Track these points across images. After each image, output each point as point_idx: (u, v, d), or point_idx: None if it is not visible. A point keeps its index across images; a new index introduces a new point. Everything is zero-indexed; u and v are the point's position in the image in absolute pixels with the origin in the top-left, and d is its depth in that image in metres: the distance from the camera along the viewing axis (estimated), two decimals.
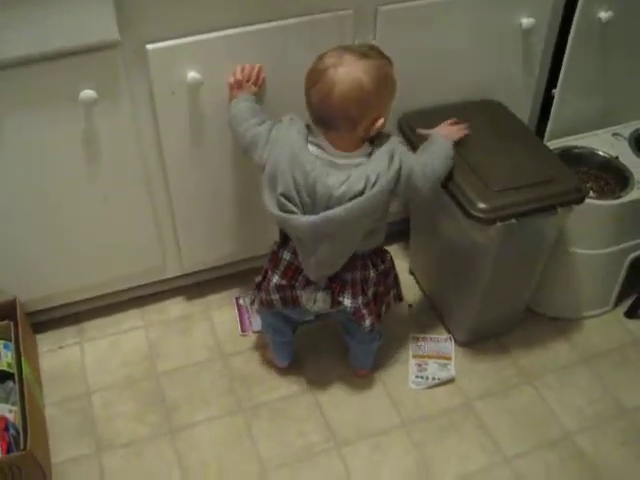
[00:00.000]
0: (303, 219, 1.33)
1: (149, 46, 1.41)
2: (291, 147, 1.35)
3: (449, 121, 1.60)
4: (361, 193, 1.32)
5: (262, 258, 1.83)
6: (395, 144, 1.38)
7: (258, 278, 1.56)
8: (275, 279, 1.49)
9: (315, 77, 1.32)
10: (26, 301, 1.71)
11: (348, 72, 1.29)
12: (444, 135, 1.54)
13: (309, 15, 1.50)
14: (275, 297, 1.51)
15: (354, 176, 1.32)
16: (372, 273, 1.48)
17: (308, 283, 1.47)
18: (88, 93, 1.40)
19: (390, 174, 1.34)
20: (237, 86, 1.49)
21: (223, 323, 1.84)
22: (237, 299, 1.90)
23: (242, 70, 1.48)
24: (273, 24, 1.49)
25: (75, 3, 1.29)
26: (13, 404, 1.53)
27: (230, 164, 1.65)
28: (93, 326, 1.84)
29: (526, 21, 1.68)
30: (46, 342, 1.80)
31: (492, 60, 1.74)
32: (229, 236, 1.79)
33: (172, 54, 1.43)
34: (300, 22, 1.50)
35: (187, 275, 1.88)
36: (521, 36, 1.72)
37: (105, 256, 1.71)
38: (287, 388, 1.70)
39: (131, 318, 1.86)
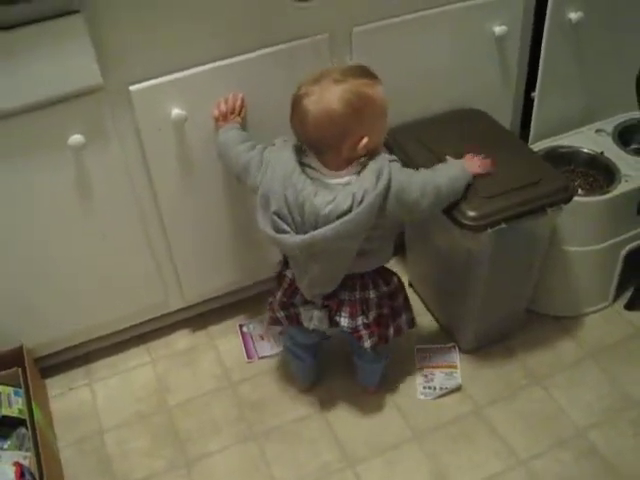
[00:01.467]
0: (292, 239, 1.35)
1: (132, 87, 1.44)
2: (284, 167, 1.37)
3: (476, 157, 1.55)
4: (347, 212, 1.32)
5: (263, 284, 1.87)
6: (384, 161, 1.36)
7: (271, 298, 1.59)
8: (279, 296, 1.52)
9: (293, 105, 1.36)
10: (33, 346, 1.72)
11: (317, 101, 1.31)
12: (462, 162, 1.52)
13: (286, 42, 1.53)
14: (280, 315, 1.55)
15: (341, 195, 1.32)
16: (372, 294, 1.48)
17: (306, 301, 1.49)
18: (76, 138, 1.43)
19: (377, 191, 1.32)
20: (222, 118, 1.52)
21: (229, 351, 1.86)
22: (241, 326, 1.91)
23: (225, 102, 1.51)
24: (252, 55, 1.52)
25: (55, 52, 1.32)
26: (27, 450, 1.54)
27: (222, 194, 1.67)
28: (101, 366, 1.85)
29: (499, 29, 1.71)
30: (56, 385, 1.81)
31: (470, 70, 1.77)
32: (227, 265, 1.81)
33: (155, 93, 1.46)
34: (278, 50, 1.53)
35: (190, 307, 1.90)
36: (495, 44, 1.74)
37: (107, 296, 1.72)
38: (297, 411, 1.71)
39: (138, 354, 1.88)
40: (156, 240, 1.69)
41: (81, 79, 1.37)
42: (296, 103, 1.34)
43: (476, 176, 1.51)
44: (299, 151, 1.40)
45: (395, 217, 1.41)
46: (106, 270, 1.68)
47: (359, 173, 1.36)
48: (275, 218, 1.36)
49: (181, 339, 1.91)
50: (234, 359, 1.84)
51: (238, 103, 1.52)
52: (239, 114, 1.53)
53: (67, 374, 1.84)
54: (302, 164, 1.38)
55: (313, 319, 1.49)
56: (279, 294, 1.52)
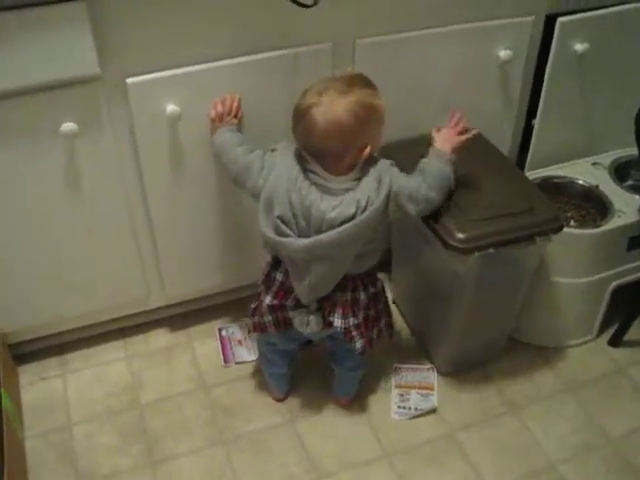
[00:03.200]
0: (296, 242, 1.36)
1: (129, 80, 1.43)
2: (288, 171, 1.38)
3: (453, 121, 1.54)
4: (352, 217, 1.35)
5: (245, 289, 1.86)
6: (384, 167, 1.41)
7: (253, 304, 1.57)
8: (267, 299, 1.50)
9: (297, 116, 1.37)
10: (8, 332, 1.70)
11: (326, 112, 1.33)
12: (438, 150, 1.48)
13: (288, 48, 1.52)
14: (268, 319, 1.53)
15: (346, 201, 1.36)
16: (362, 295, 1.50)
17: (299, 305, 1.48)
18: (69, 126, 1.42)
19: (380, 198, 1.37)
20: (218, 119, 1.51)
21: (206, 354, 1.84)
22: (220, 330, 1.90)
23: (222, 103, 1.50)
24: (253, 57, 1.51)
25: (55, 37, 1.31)
26: None
27: (211, 195, 1.66)
28: (76, 357, 1.83)
29: (504, 53, 1.71)
30: (28, 374, 1.79)
31: (471, 92, 1.76)
32: (212, 267, 1.80)
33: (152, 87, 1.45)
34: (279, 55, 1.52)
35: (170, 306, 1.88)
36: (499, 68, 1.74)
37: (89, 287, 1.71)
38: (268, 419, 1.69)
39: (114, 349, 1.86)
40: (142, 235, 1.68)
41: (78, 67, 1.36)
42: (302, 113, 1.35)
43: (455, 149, 1.48)
44: (301, 156, 1.41)
45: (394, 219, 1.45)
46: (89, 261, 1.66)
47: (360, 178, 1.40)
48: (278, 222, 1.37)
49: (159, 337, 1.89)
50: (210, 362, 1.82)
51: (235, 105, 1.51)
52: (235, 116, 1.52)
53: (41, 363, 1.81)
54: (305, 169, 1.40)
55: (310, 324, 1.48)
56: (268, 297, 1.51)
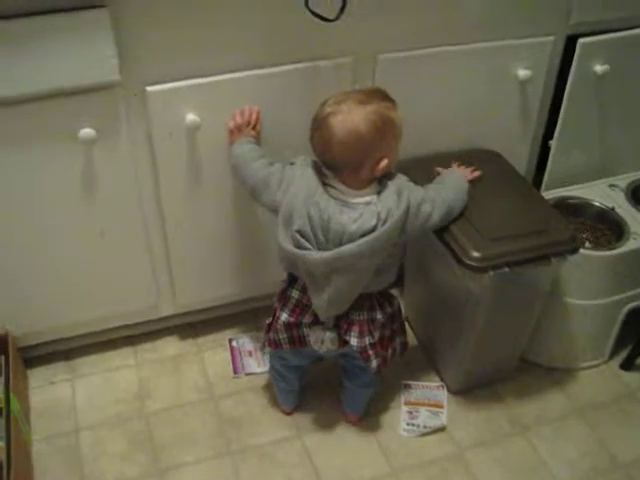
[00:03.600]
0: (316, 255, 1.36)
1: (149, 88, 1.43)
2: (307, 186, 1.39)
3: (457, 164, 1.64)
4: (372, 230, 1.36)
5: (257, 300, 1.85)
6: (402, 181, 1.43)
7: (269, 319, 1.57)
8: (283, 317, 1.50)
9: (316, 125, 1.37)
10: (19, 336, 1.70)
11: (344, 120, 1.33)
12: (457, 171, 1.60)
13: (309, 62, 1.53)
14: (283, 336, 1.52)
15: (366, 214, 1.37)
16: (379, 315, 1.49)
17: (315, 322, 1.48)
18: (87, 132, 1.42)
19: (400, 211, 1.37)
20: (237, 130, 1.51)
21: (215, 364, 1.83)
22: (230, 341, 1.89)
23: (241, 114, 1.50)
24: (274, 69, 1.51)
25: (77, 43, 1.32)
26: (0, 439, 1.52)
27: (227, 206, 1.66)
28: (85, 363, 1.83)
29: (523, 73, 1.70)
30: (37, 377, 1.79)
31: (490, 110, 1.76)
32: (225, 277, 1.79)
33: (171, 96, 1.45)
34: (300, 68, 1.52)
35: (181, 315, 1.88)
36: (518, 87, 1.74)
37: (100, 293, 1.71)
38: (276, 432, 1.68)
39: (123, 356, 1.85)
40: (155, 244, 1.68)
41: (99, 73, 1.37)
42: (321, 122, 1.36)
43: (469, 179, 1.59)
44: (320, 171, 1.42)
45: (412, 233, 1.45)
46: (101, 267, 1.66)
47: (379, 193, 1.40)
48: (297, 236, 1.37)
49: (169, 346, 1.89)
50: (219, 373, 1.81)
51: (254, 117, 1.51)
52: (254, 127, 1.52)
53: (50, 367, 1.81)
54: (324, 183, 1.40)
55: (325, 341, 1.47)
56: (284, 315, 1.50)
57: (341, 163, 1.37)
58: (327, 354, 1.54)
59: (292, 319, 1.49)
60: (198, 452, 1.63)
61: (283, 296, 1.52)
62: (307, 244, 1.37)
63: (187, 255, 1.71)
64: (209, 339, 1.91)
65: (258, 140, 1.53)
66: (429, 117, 1.70)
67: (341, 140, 1.34)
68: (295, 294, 1.49)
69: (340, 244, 1.36)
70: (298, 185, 1.39)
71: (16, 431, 1.49)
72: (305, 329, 1.50)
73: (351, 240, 1.36)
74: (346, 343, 1.49)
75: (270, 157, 1.48)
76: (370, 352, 1.50)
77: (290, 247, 1.38)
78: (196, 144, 1.52)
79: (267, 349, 1.62)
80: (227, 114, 1.51)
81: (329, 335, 1.47)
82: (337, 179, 1.40)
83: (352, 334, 1.47)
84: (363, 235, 1.36)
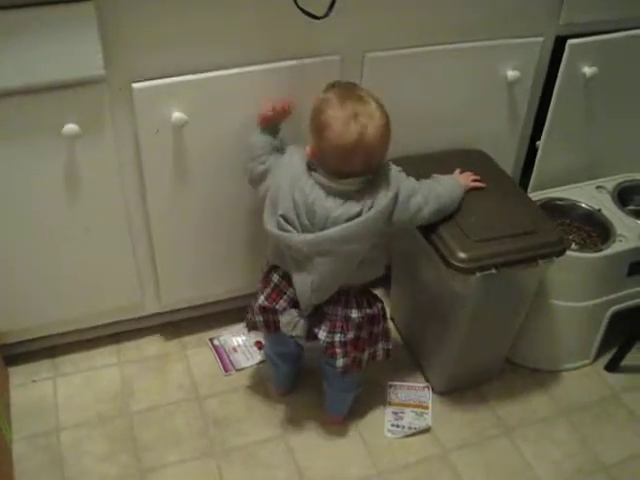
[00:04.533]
0: (299, 237, 1.37)
1: (135, 84, 1.41)
2: (293, 171, 1.40)
3: (459, 170, 1.63)
4: (357, 215, 1.36)
5: (241, 299, 1.84)
6: (393, 172, 1.43)
7: (253, 301, 1.56)
8: (260, 300, 1.51)
9: (341, 147, 1.34)
10: (0, 333, 1.68)
11: (370, 117, 1.34)
12: (455, 175, 1.60)
13: (297, 59, 1.52)
14: (259, 319, 1.53)
15: (351, 200, 1.37)
16: (355, 313, 1.48)
17: (291, 307, 1.48)
18: (71, 127, 1.40)
19: (387, 200, 1.38)
20: (266, 121, 1.49)
21: (199, 363, 1.82)
22: (212, 340, 1.88)
23: (274, 109, 1.48)
24: (261, 67, 1.50)
25: (62, 37, 1.30)
26: None
27: (213, 204, 1.64)
28: (68, 361, 1.81)
29: (511, 73, 1.70)
30: (19, 375, 1.76)
31: (477, 110, 1.76)
32: (210, 276, 1.78)
33: (158, 93, 1.44)
34: (288, 66, 1.51)
35: (165, 313, 1.86)
36: (506, 88, 1.74)
37: (83, 290, 1.69)
38: (261, 432, 1.67)
39: (106, 354, 1.83)
40: (139, 241, 1.66)
41: (83, 68, 1.35)
42: (350, 146, 1.33)
43: (468, 191, 1.58)
44: (307, 157, 1.41)
45: (399, 224, 1.44)
46: (85, 265, 1.64)
47: (368, 180, 1.39)
48: (281, 220, 1.38)
49: (152, 345, 1.87)
50: (203, 372, 1.80)
51: (286, 113, 1.50)
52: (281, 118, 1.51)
53: (32, 365, 1.79)
54: (310, 168, 1.40)
55: (297, 327, 1.47)
56: (261, 298, 1.50)
57: (356, 171, 1.37)
58: (298, 341, 1.54)
59: (267, 303, 1.50)
60: (182, 452, 1.62)
61: (265, 278, 1.53)
62: (290, 228, 1.38)
63: (172, 253, 1.70)
64: (194, 338, 1.89)
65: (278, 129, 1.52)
66: (416, 117, 1.69)
67: (374, 138, 1.34)
68: (275, 278, 1.50)
69: (324, 228, 1.37)
70: (284, 171, 1.41)
71: None
72: (279, 315, 1.49)
73: (335, 224, 1.36)
74: (315, 337, 1.48)
75: (278, 151, 1.47)
76: (337, 350, 1.48)
77: (275, 230, 1.39)
78: (182, 142, 1.51)
79: (248, 330, 1.62)
80: (214, 111, 1.49)
81: (301, 322, 1.47)
82: (326, 172, 1.39)
83: (322, 328, 1.47)
84: (348, 220, 1.36)
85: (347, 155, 1.35)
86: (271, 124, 1.50)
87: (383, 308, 1.57)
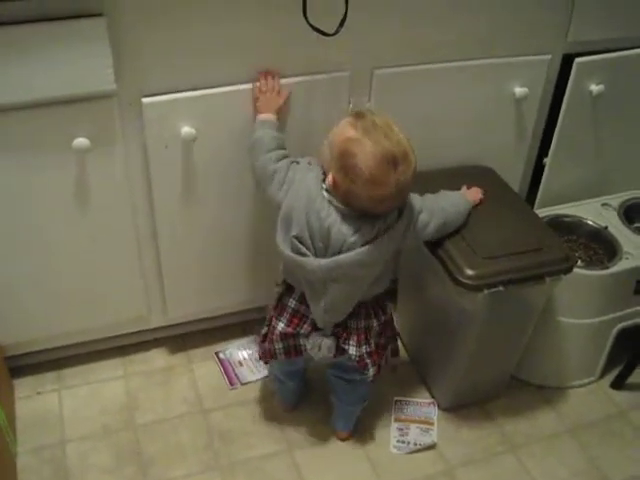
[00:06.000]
0: (314, 262, 1.35)
1: (145, 99, 1.42)
2: (308, 192, 1.37)
3: (472, 188, 1.64)
4: (373, 241, 1.35)
5: (250, 312, 1.84)
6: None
7: (264, 330, 1.55)
8: (280, 327, 1.48)
9: (370, 187, 1.30)
10: (6, 345, 1.68)
11: (407, 171, 1.31)
12: (461, 191, 1.60)
13: (306, 75, 1.52)
14: (278, 346, 1.51)
15: (366, 224, 1.36)
16: (375, 323, 1.49)
17: (314, 330, 1.47)
18: (81, 141, 1.41)
19: (402, 225, 1.39)
20: (263, 97, 1.48)
21: (205, 377, 1.82)
22: (217, 354, 1.88)
23: (265, 79, 1.48)
24: None
25: (73, 52, 1.31)
26: None
27: (220, 219, 1.65)
28: (73, 373, 1.81)
29: (519, 90, 1.71)
30: (24, 387, 1.76)
31: (485, 127, 1.76)
32: (216, 290, 1.78)
33: (167, 108, 1.44)
34: (297, 82, 1.52)
35: (171, 326, 1.86)
36: (514, 105, 1.74)
37: (89, 303, 1.69)
38: (266, 446, 1.66)
39: (112, 367, 1.83)
40: (146, 255, 1.67)
41: (94, 82, 1.36)
42: (382, 176, 1.29)
43: (475, 207, 1.60)
44: (322, 176, 1.39)
45: (407, 241, 1.45)
46: (92, 277, 1.65)
47: None
48: (295, 242, 1.37)
49: (158, 358, 1.87)
50: (209, 386, 1.80)
51: (277, 81, 1.48)
52: (279, 93, 1.49)
53: (37, 377, 1.79)
54: (324, 190, 1.38)
55: (322, 348, 1.46)
56: (281, 324, 1.48)
57: (388, 212, 1.37)
58: (322, 361, 1.53)
59: (289, 329, 1.48)
60: (187, 466, 1.61)
61: (279, 305, 1.50)
62: (304, 249, 1.36)
63: (179, 266, 1.70)
64: (199, 351, 1.89)
65: (280, 120, 1.51)
66: (424, 133, 1.68)
67: (409, 188, 1.35)
68: (292, 303, 1.48)
69: (339, 252, 1.36)
70: (298, 190, 1.38)
71: (1, 442, 1.47)
72: (302, 339, 1.48)
73: (351, 249, 1.35)
74: (344, 352, 1.48)
75: (284, 147, 1.46)
76: (367, 361, 1.49)
77: (288, 252, 1.37)
78: (191, 156, 1.52)
79: (262, 360, 1.60)
80: (223, 127, 1.50)
81: (326, 342, 1.46)
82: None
83: (350, 343, 1.47)
84: (363, 245, 1.35)
85: (382, 202, 1.33)
86: (270, 117, 1.48)
87: (391, 311, 1.58)
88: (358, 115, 1.34)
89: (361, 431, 1.71)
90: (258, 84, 1.48)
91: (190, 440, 1.67)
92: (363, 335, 1.48)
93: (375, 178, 1.29)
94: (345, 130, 1.32)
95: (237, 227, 1.67)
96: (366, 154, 1.28)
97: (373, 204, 1.33)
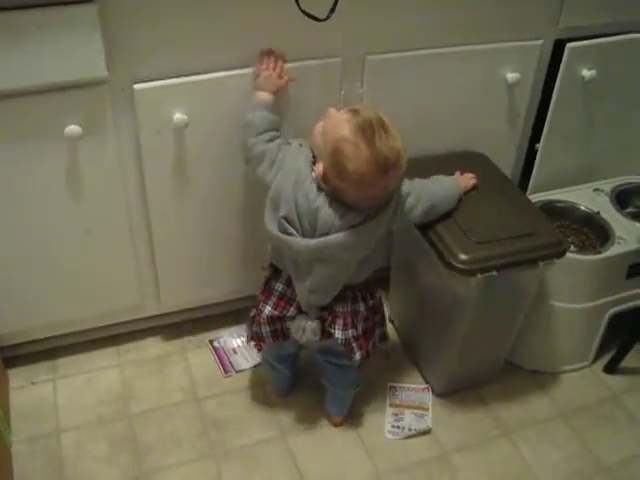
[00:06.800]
0: (302, 242, 1.36)
1: (137, 86, 1.42)
2: (297, 173, 1.37)
3: (465, 174, 1.64)
4: (360, 224, 1.36)
5: (243, 300, 1.84)
6: None
7: (252, 312, 1.56)
8: (267, 310, 1.49)
9: (362, 188, 1.31)
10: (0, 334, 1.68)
11: (397, 175, 1.34)
12: (453, 176, 1.60)
13: (298, 61, 1.52)
14: (266, 330, 1.51)
15: (353, 209, 1.36)
16: (362, 307, 1.50)
17: (299, 314, 1.47)
18: (73, 128, 1.40)
19: (389, 210, 1.39)
20: (263, 76, 1.46)
21: (199, 365, 1.82)
22: (211, 342, 1.88)
23: (268, 60, 1.47)
24: None
25: (65, 39, 1.30)
26: None
27: (214, 206, 1.65)
28: (67, 363, 1.81)
29: (511, 76, 1.71)
30: (18, 377, 1.76)
31: (477, 113, 1.76)
32: (210, 278, 1.78)
33: (159, 94, 1.44)
34: (289, 68, 1.51)
35: (165, 315, 1.86)
36: (506, 90, 1.74)
37: (83, 292, 1.69)
38: (260, 433, 1.67)
39: (106, 356, 1.83)
40: (140, 242, 1.66)
41: (86, 69, 1.35)
42: (374, 179, 1.30)
43: (467, 192, 1.60)
44: (312, 159, 1.39)
45: (394, 224, 1.45)
46: (85, 265, 1.64)
47: None
48: (283, 222, 1.37)
49: (152, 346, 1.87)
50: (203, 374, 1.80)
51: (279, 65, 1.47)
52: (279, 76, 1.48)
53: (31, 367, 1.79)
54: (314, 172, 1.38)
55: (306, 331, 1.46)
56: (268, 308, 1.49)
57: (376, 205, 1.38)
58: (308, 344, 1.53)
59: (276, 312, 1.48)
60: (182, 454, 1.62)
61: (266, 289, 1.51)
62: (292, 229, 1.37)
63: (172, 255, 1.70)
64: (194, 339, 1.89)
65: (283, 90, 1.50)
66: (416, 119, 1.70)
67: (398, 184, 1.39)
68: (279, 287, 1.48)
69: (327, 234, 1.36)
70: (288, 171, 1.38)
71: None
72: (289, 322, 1.49)
73: (338, 232, 1.35)
74: (330, 335, 1.48)
75: (278, 128, 1.45)
76: (353, 345, 1.49)
77: (275, 231, 1.38)
78: (184, 143, 1.51)
79: (250, 343, 1.61)
80: (215, 112, 1.50)
81: (310, 325, 1.46)
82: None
83: (336, 327, 1.47)
84: (350, 228, 1.36)
85: (369, 200, 1.35)
86: (265, 97, 1.46)
87: (380, 296, 1.58)
88: (355, 112, 1.32)
89: (355, 417, 1.71)
90: (258, 67, 1.48)
91: (185, 428, 1.67)
92: (350, 319, 1.48)
93: (365, 181, 1.30)
94: (341, 127, 1.31)
95: (231, 214, 1.67)
96: (359, 158, 1.28)
97: (360, 201, 1.35)
